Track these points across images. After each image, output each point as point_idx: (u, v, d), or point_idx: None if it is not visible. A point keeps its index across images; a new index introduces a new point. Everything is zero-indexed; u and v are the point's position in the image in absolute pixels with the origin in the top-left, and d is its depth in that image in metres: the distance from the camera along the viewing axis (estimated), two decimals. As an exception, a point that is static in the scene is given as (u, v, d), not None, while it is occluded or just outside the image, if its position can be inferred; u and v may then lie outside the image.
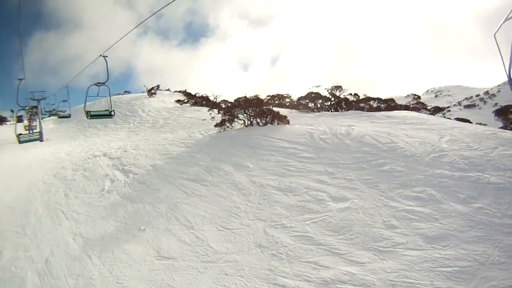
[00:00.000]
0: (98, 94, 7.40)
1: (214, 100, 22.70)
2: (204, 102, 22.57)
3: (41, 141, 16.44)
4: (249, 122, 10.73)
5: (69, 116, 15.41)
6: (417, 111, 15.58)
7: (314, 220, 4.89)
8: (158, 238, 5.38)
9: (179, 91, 28.69)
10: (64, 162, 11.58)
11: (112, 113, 7.97)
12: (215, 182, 6.85)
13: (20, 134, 13.21)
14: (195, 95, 25.45)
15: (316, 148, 7.54)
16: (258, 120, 10.37)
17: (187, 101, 23.48)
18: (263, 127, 9.94)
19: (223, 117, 10.93)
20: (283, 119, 10.00)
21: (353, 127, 8.75)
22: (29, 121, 16.60)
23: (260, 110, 10.36)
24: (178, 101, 24.01)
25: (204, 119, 15.19)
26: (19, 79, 11.58)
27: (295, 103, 19.62)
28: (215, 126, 10.90)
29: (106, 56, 6.49)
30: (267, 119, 10.10)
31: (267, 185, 6.24)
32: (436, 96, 53.21)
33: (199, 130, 12.34)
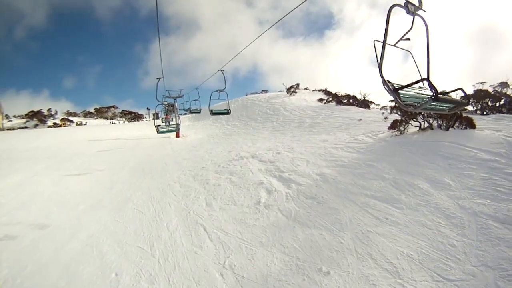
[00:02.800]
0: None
1: (363, 99, 28.01)
2: (351, 101, 27.53)
3: (177, 137, 22.08)
4: (427, 124, 11.33)
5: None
6: None
7: (556, 273, 4.42)
8: (351, 288, 4.70)
9: (319, 90, 36.37)
10: (204, 161, 12.46)
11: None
12: (411, 204, 6.59)
13: (159, 125, 17.76)
14: (335, 94, 31.33)
15: (523, 162, 7.32)
16: (440, 122, 10.97)
17: (331, 99, 28.25)
18: (446, 132, 10.39)
19: (401, 118, 11.70)
20: (470, 122, 10.50)
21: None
22: (166, 115, 20.84)
23: (447, 111, 10.47)
24: (320, 100, 29.33)
25: (360, 120, 17.31)
26: (157, 78, 15.41)
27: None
28: (390, 128, 11.86)
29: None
30: (450, 122, 10.78)
31: (480, 212, 5.97)
32: None
33: (363, 132, 13.15)
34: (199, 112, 20.48)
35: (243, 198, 8.14)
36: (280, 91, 38.62)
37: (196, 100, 20.00)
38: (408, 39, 5.15)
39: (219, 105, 18.50)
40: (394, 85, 4.25)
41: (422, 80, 4.27)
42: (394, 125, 11.56)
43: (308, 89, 37.84)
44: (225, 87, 12.94)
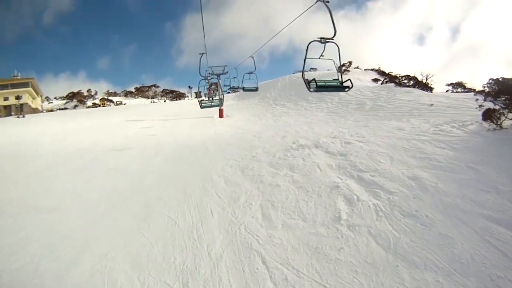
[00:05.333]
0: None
1: (424, 81, 26.60)
2: (411, 83, 26.60)
3: (220, 117, 20.81)
4: (526, 117, 10.06)
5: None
6: None
7: None
8: None
9: (372, 69, 34.98)
10: (254, 148, 10.62)
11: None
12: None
13: (202, 100, 17.63)
14: (389, 74, 30.07)
15: None
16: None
17: (388, 80, 27.14)
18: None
19: (496, 107, 10.01)
20: None
21: None
22: (209, 90, 19.86)
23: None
24: (375, 80, 28.39)
25: (432, 105, 15.88)
26: (200, 54, 15.54)
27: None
28: (484, 119, 10.26)
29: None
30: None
31: None
32: None
33: (444, 121, 11.52)
34: (256, 90, 17.52)
35: (314, 209, 6.01)
36: (329, 70, 37.41)
37: (251, 72, 15.91)
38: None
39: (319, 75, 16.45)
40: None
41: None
42: (488, 115, 9.91)
43: (359, 68, 36.30)
44: (334, 34, 7.16)
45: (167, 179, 8.50)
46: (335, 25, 6.92)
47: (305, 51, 7.27)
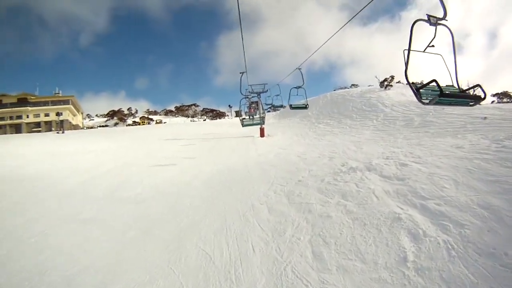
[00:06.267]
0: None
1: (472, 93, 23.70)
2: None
3: (261, 136, 20.80)
4: None
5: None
6: None
7: None
8: None
9: (413, 83, 32.30)
10: (300, 171, 9.70)
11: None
12: None
13: (244, 118, 18.08)
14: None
15: None
16: None
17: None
18: None
19: None
20: None
21: None
22: (249, 109, 19.96)
23: None
24: None
25: (485, 118, 14.66)
26: (240, 73, 15.82)
27: None
28: None
29: None
30: None
31: None
32: None
33: (504, 136, 10.28)
34: (306, 108, 16.41)
35: (373, 247, 5.04)
36: (370, 85, 36.39)
37: (299, 87, 13.98)
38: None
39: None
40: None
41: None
42: None
43: (401, 82, 34.61)
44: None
45: (204, 205, 7.89)
46: (445, 3, 4.73)
47: (409, 36, 4.75)
